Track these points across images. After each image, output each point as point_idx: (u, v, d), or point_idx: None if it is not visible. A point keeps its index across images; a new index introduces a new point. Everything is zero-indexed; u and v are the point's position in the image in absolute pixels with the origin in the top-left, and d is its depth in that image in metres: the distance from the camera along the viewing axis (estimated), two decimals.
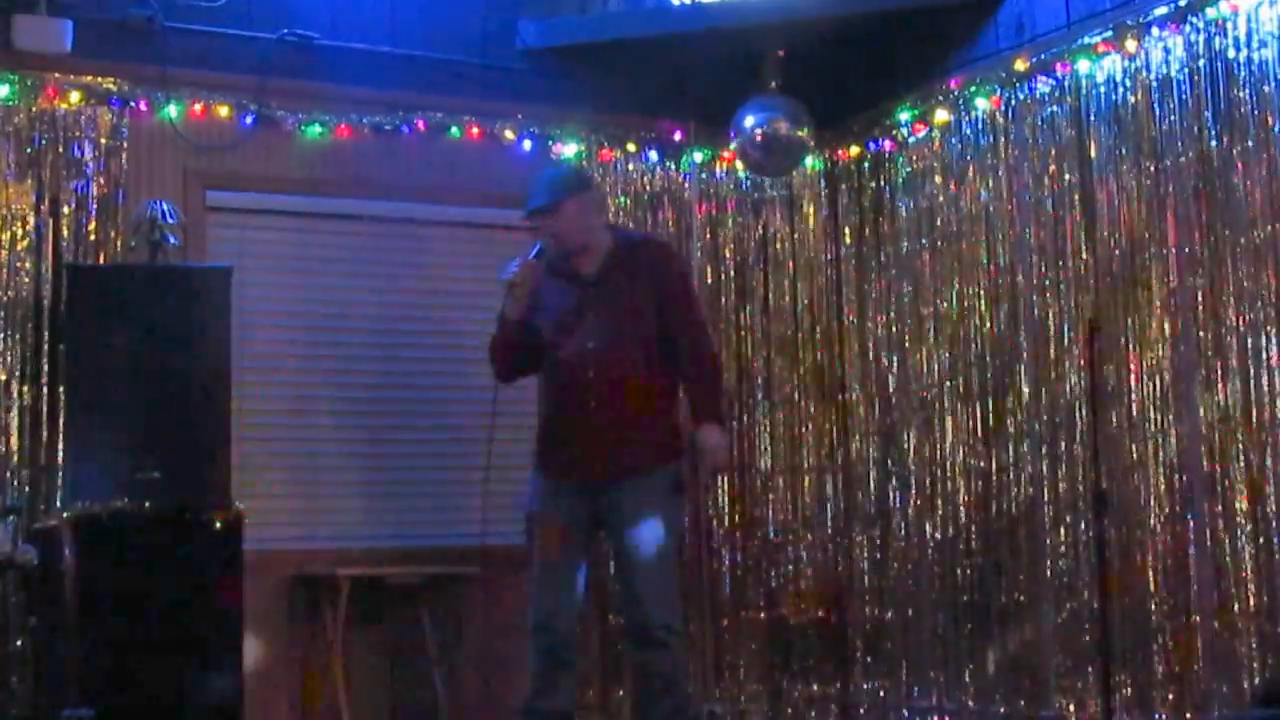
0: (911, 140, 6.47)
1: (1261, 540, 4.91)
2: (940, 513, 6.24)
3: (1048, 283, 5.76)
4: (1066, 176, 5.69)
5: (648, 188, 6.71)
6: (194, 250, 5.81)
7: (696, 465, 5.11)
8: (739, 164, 6.68)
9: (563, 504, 5.05)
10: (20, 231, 5.58)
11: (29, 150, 5.65)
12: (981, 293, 6.08)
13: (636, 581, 5.00)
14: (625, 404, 5.02)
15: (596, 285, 5.10)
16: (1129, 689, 5.31)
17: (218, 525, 5.20)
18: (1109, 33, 5.47)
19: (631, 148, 6.66)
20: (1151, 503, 5.29)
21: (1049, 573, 5.71)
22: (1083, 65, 5.60)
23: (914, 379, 6.42)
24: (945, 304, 6.26)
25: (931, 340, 6.34)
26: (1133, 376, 5.37)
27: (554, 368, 5.16)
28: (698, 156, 6.77)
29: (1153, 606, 5.27)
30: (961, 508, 6.14)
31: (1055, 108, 5.74)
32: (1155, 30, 5.30)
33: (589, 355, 5.04)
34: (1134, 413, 5.36)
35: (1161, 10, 5.26)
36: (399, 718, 6.11)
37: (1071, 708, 5.58)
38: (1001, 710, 5.90)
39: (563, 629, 5.04)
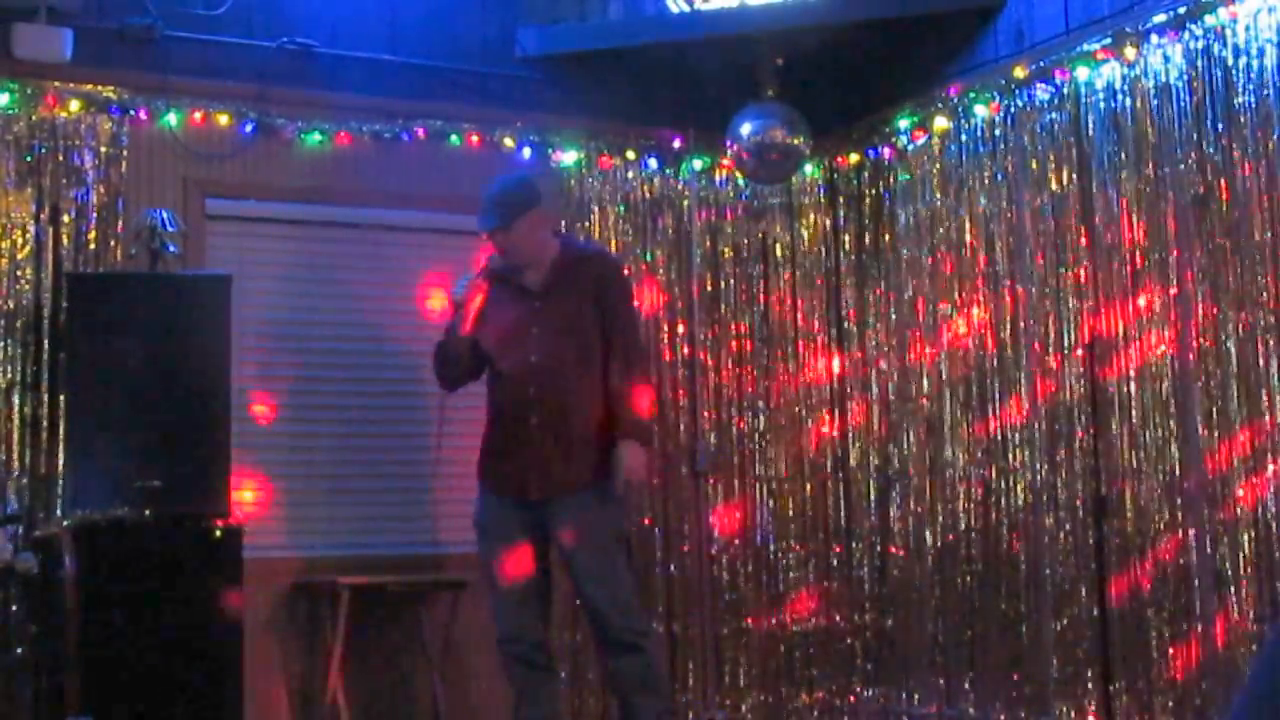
0: (911, 147, 6.48)
1: (1261, 547, 4.91)
2: (941, 519, 6.24)
3: (1047, 289, 5.76)
4: (1066, 183, 5.69)
5: (647, 195, 6.71)
6: (193, 258, 5.80)
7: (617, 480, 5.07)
8: (738, 172, 6.68)
9: (506, 516, 5.08)
10: (20, 240, 5.59)
11: (29, 159, 5.65)
12: (981, 299, 6.09)
13: (590, 593, 5.06)
14: (566, 420, 5.05)
15: (541, 299, 5.12)
16: (1128, 696, 5.31)
17: (218, 533, 5.20)
18: (1108, 40, 5.47)
19: (631, 155, 6.66)
20: (1151, 509, 5.29)
21: (1049, 579, 5.71)
22: (1082, 72, 5.61)
23: (914, 386, 6.43)
24: (945, 311, 6.26)
25: (930, 347, 6.34)
26: (1133, 383, 5.38)
27: (497, 381, 5.20)
28: (697, 164, 6.78)
29: (1152, 613, 5.26)
30: (962, 514, 6.14)
31: (1054, 115, 5.74)
32: (1154, 37, 5.31)
33: (531, 370, 5.06)
34: (1134, 419, 5.36)
35: (1160, 17, 5.26)
36: None
37: (1071, 714, 5.57)
38: (1002, 717, 5.90)
39: (531, 637, 5.07)
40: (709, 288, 6.75)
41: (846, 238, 6.86)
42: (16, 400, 5.50)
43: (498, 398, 5.22)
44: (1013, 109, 5.94)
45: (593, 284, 5.18)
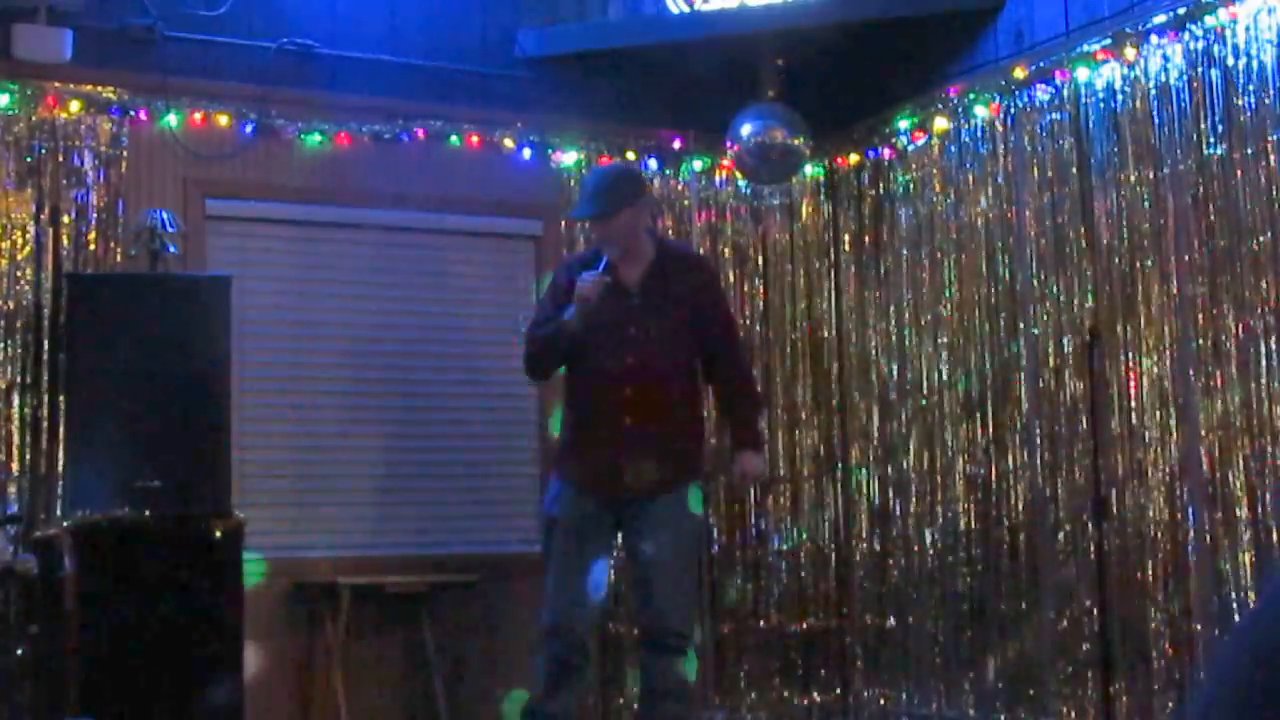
0: (911, 148, 6.48)
1: (1261, 547, 4.91)
2: (940, 520, 6.24)
3: (1047, 290, 5.76)
4: (1066, 184, 5.70)
5: None
6: (194, 259, 5.81)
7: (734, 484, 5.18)
8: (738, 172, 6.68)
9: (585, 510, 5.05)
10: (20, 240, 5.58)
11: (29, 159, 5.65)
12: (981, 300, 6.09)
13: (655, 590, 5.03)
14: (660, 421, 5.03)
15: (638, 297, 5.09)
16: (1128, 696, 5.32)
17: (218, 534, 5.20)
18: (1108, 40, 5.47)
19: (630, 156, 6.66)
20: (1151, 510, 5.29)
21: (1049, 579, 5.71)
22: (1082, 73, 5.61)
23: (914, 386, 6.43)
24: (945, 311, 6.27)
25: (931, 348, 6.34)
26: (1132, 384, 5.38)
27: (590, 377, 5.13)
28: (697, 164, 6.78)
29: (1153, 613, 5.27)
30: (962, 515, 6.14)
31: (1054, 115, 5.74)
32: (1154, 38, 5.31)
33: (628, 370, 5.03)
34: (1134, 420, 5.36)
35: (1160, 18, 5.26)
36: None
37: (1072, 715, 5.58)
38: (1002, 717, 5.90)
39: (576, 633, 5.05)
40: None
41: (846, 238, 6.86)
42: (16, 400, 5.50)
43: (589, 395, 5.15)
44: (1013, 109, 5.95)
45: (692, 288, 5.16)
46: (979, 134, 6.11)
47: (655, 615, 5.04)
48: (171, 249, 5.53)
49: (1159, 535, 5.27)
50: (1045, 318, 5.77)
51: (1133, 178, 5.41)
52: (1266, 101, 4.93)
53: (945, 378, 6.27)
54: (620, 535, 5.16)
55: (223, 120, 6.00)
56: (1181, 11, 5.19)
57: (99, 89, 5.78)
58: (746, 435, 5.26)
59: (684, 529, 5.06)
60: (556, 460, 5.26)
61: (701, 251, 6.72)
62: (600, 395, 5.08)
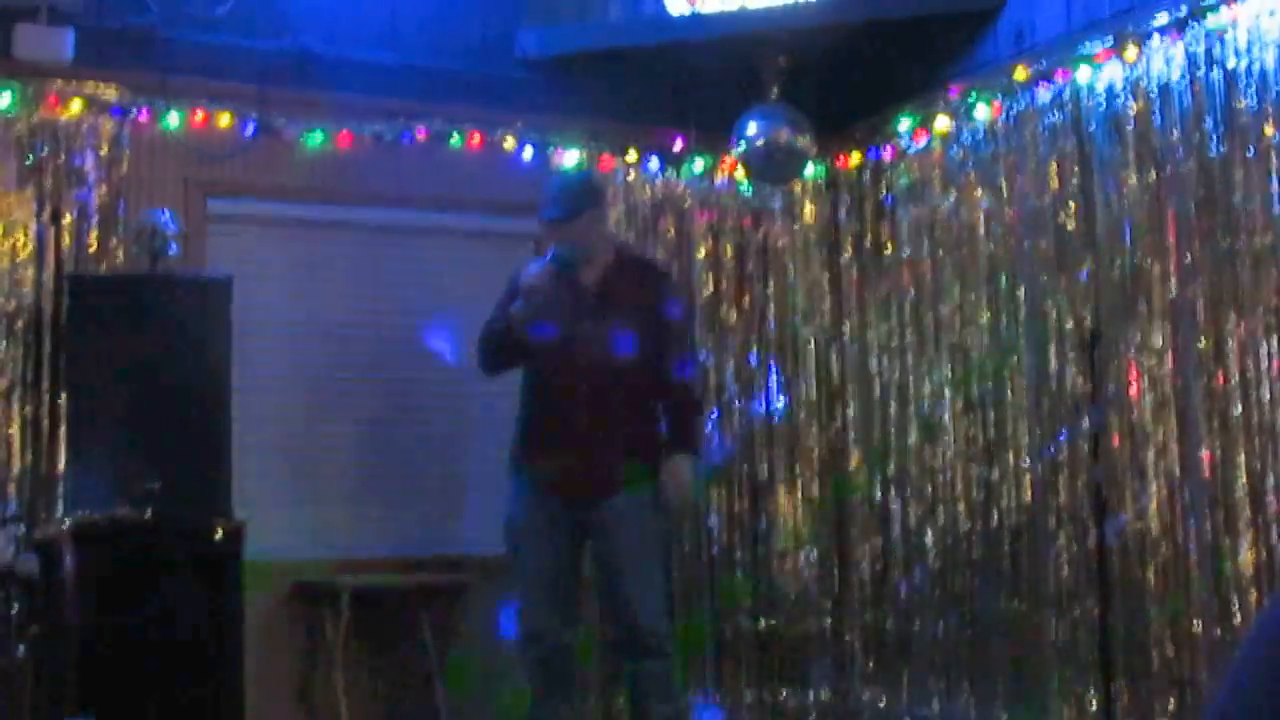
0: (912, 148, 6.48)
1: (1262, 547, 4.91)
2: (940, 520, 6.24)
3: (1048, 290, 5.76)
4: (1067, 185, 5.69)
5: (648, 196, 6.71)
6: (195, 259, 5.81)
7: (663, 495, 5.10)
8: (739, 172, 6.68)
9: (546, 512, 5.04)
10: (21, 241, 5.58)
11: (30, 160, 5.65)
12: (982, 300, 6.09)
13: (624, 591, 5.01)
14: (616, 421, 5.02)
15: (596, 298, 5.10)
16: (1128, 696, 5.31)
17: (218, 534, 5.20)
18: (1109, 41, 5.47)
19: (632, 156, 6.66)
20: (1152, 510, 5.29)
21: (1050, 580, 5.71)
22: (1083, 74, 5.60)
23: (914, 387, 6.43)
24: (946, 312, 6.26)
25: (932, 348, 6.34)
26: (1133, 385, 5.38)
27: (545, 376, 5.14)
28: (698, 164, 6.77)
29: (1153, 614, 5.26)
30: (962, 515, 6.14)
31: (1055, 116, 5.74)
32: (1155, 39, 5.30)
33: (583, 370, 5.03)
34: (1134, 421, 5.36)
35: (1162, 19, 5.26)
36: None
37: (1072, 715, 5.57)
38: (1003, 716, 5.90)
39: (556, 639, 5.03)
40: (710, 288, 6.75)
41: (847, 238, 6.86)
42: (16, 400, 5.50)
43: (544, 395, 5.14)
44: (1014, 110, 5.94)
45: (648, 292, 5.18)
46: (980, 134, 6.11)
47: (626, 616, 5.04)
48: (172, 249, 5.53)
49: (1159, 535, 5.27)
50: (1046, 318, 5.76)
51: (1133, 178, 5.41)
52: (1267, 102, 4.92)
53: (945, 378, 6.26)
54: (585, 538, 5.14)
55: (224, 120, 6.00)
56: (1183, 13, 5.18)
57: (100, 89, 5.78)
58: (677, 441, 5.17)
59: (647, 528, 5.04)
60: (513, 461, 5.21)
61: (701, 251, 6.73)
62: (556, 395, 5.08)
